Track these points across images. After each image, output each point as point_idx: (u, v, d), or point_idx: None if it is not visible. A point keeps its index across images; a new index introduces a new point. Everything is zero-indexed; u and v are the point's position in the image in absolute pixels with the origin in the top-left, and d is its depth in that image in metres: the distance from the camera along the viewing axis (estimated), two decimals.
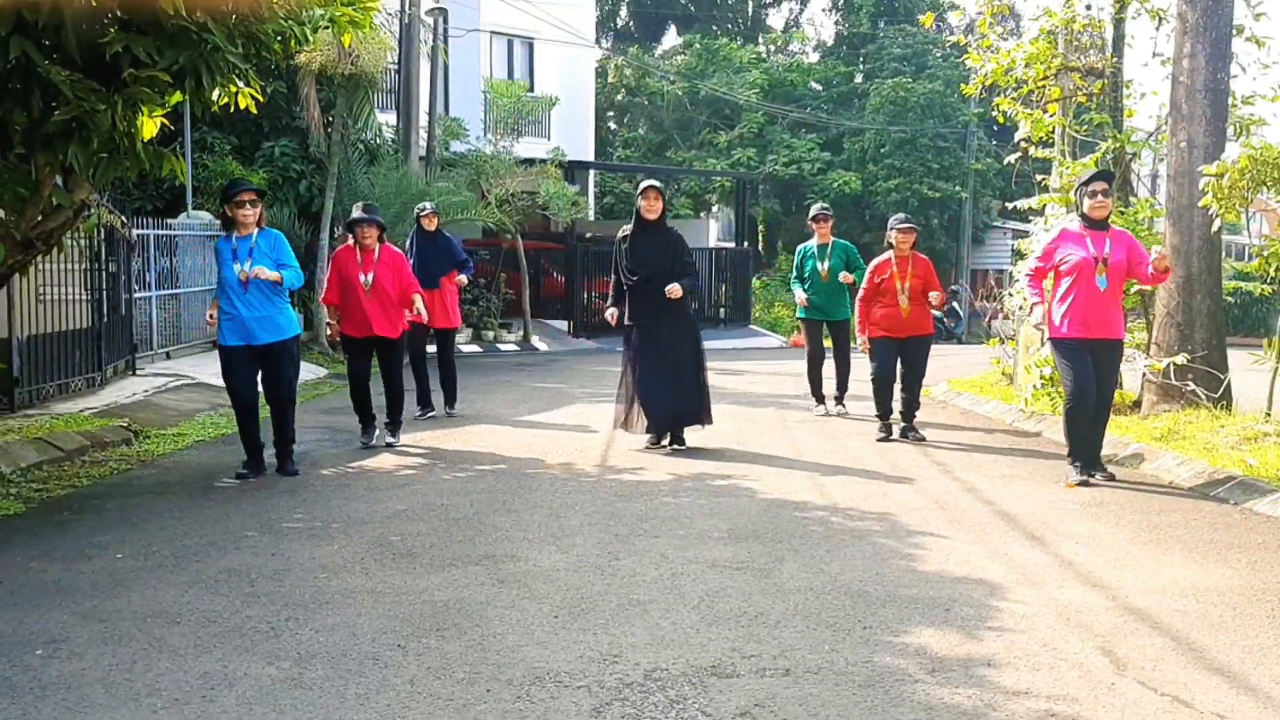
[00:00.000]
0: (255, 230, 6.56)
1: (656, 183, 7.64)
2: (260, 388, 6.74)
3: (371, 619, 3.95)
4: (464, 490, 6.27)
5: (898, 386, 8.36)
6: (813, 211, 9.75)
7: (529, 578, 4.48)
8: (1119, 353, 6.69)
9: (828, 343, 9.80)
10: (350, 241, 7.68)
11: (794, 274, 9.79)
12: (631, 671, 3.45)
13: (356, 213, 7.66)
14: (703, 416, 7.62)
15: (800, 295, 9.55)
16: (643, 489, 6.32)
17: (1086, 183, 6.55)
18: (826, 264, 9.37)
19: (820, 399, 9.67)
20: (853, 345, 9.19)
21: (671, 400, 7.51)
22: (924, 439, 8.17)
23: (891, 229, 8.37)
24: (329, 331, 7.49)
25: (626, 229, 7.66)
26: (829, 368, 9.65)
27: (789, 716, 3.13)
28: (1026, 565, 4.74)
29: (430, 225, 9.24)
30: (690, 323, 7.67)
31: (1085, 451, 6.52)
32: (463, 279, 9.45)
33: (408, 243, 9.38)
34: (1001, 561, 4.79)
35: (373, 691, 3.28)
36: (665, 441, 7.69)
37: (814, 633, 3.82)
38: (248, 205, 6.51)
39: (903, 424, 8.32)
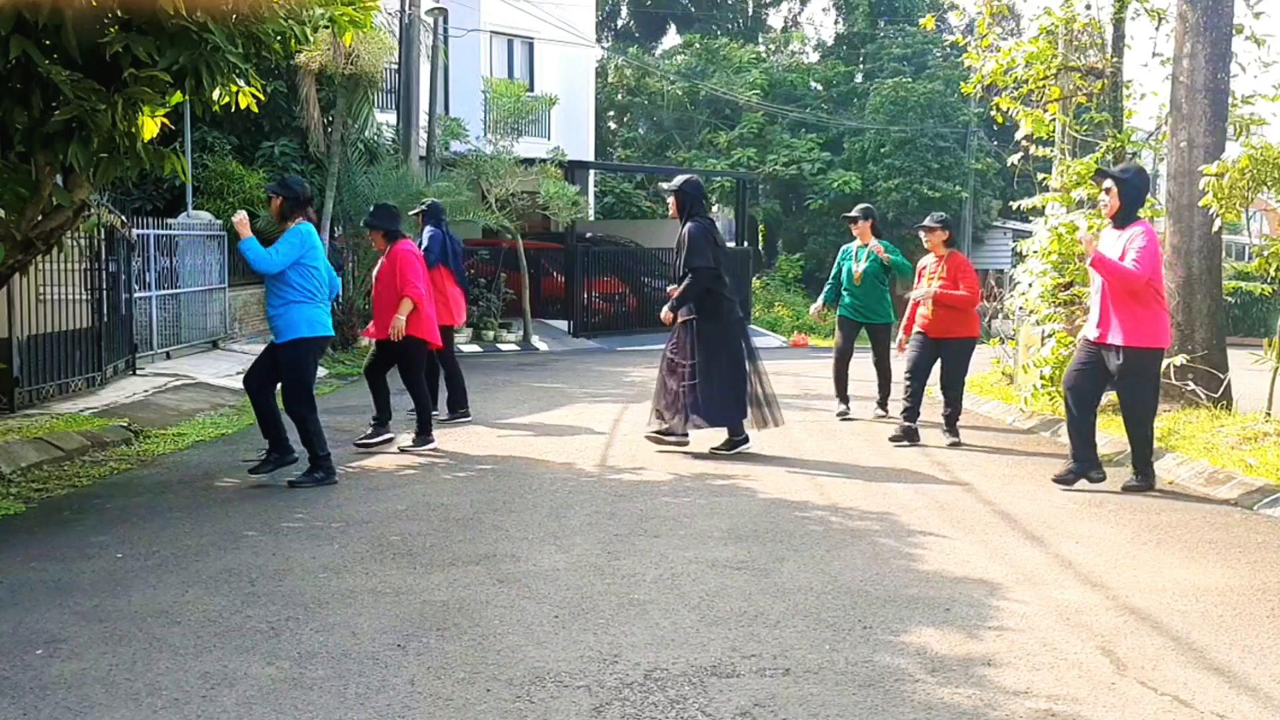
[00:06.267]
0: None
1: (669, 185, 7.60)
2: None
3: (371, 619, 3.95)
4: (464, 490, 6.27)
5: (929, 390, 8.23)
6: (854, 212, 9.35)
7: (529, 578, 4.48)
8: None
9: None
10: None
11: (832, 277, 9.31)
12: (631, 671, 3.45)
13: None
14: None
15: (814, 307, 9.23)
16: (643, 489, 6.32)
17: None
18: (861, 265, 9.05)
19: (844, 399, 9.26)
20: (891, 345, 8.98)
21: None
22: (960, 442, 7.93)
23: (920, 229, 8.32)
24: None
25: (696, 225, 7.33)
26: (866, 371, 9.46)
27: (789, 716, 3.13)
28: (1026, 565, 4.74)
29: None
30: None
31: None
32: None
33: (429, 238, 8.69)
34: (1001, 561, 4.79)
35: (373, 691, 3.29)
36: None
37: (814, 632, 3.82)
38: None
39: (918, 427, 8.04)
